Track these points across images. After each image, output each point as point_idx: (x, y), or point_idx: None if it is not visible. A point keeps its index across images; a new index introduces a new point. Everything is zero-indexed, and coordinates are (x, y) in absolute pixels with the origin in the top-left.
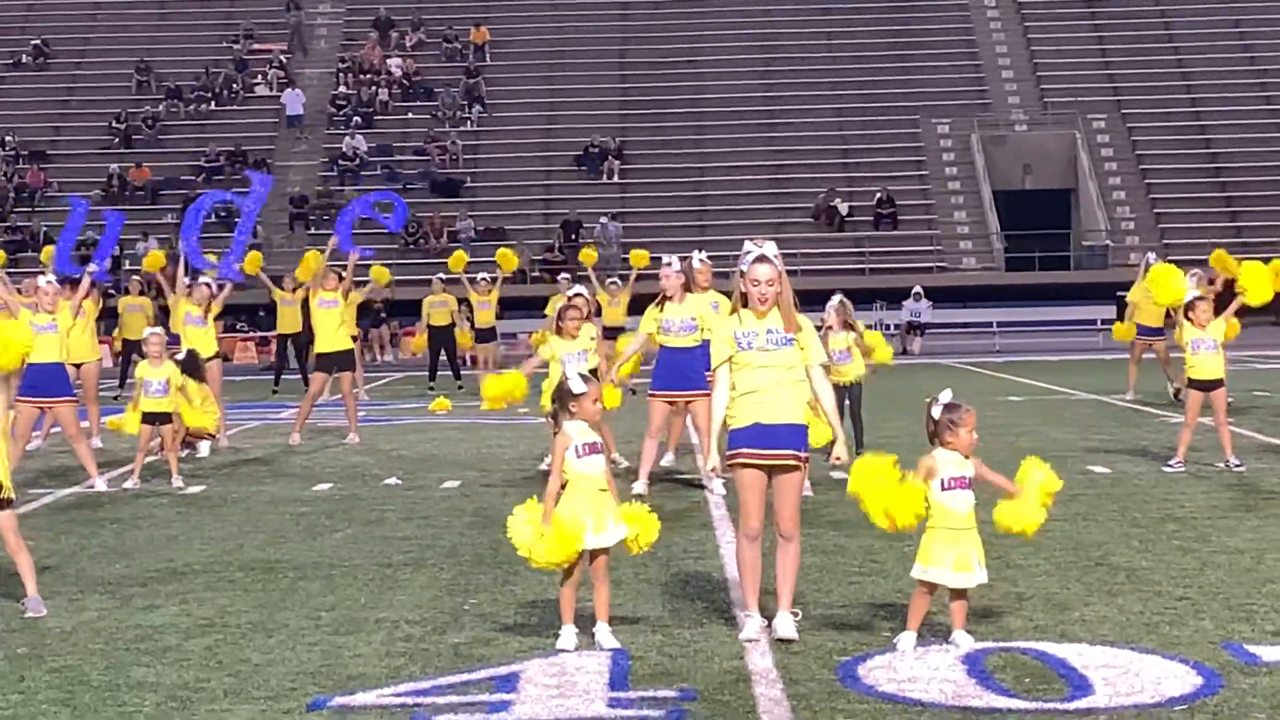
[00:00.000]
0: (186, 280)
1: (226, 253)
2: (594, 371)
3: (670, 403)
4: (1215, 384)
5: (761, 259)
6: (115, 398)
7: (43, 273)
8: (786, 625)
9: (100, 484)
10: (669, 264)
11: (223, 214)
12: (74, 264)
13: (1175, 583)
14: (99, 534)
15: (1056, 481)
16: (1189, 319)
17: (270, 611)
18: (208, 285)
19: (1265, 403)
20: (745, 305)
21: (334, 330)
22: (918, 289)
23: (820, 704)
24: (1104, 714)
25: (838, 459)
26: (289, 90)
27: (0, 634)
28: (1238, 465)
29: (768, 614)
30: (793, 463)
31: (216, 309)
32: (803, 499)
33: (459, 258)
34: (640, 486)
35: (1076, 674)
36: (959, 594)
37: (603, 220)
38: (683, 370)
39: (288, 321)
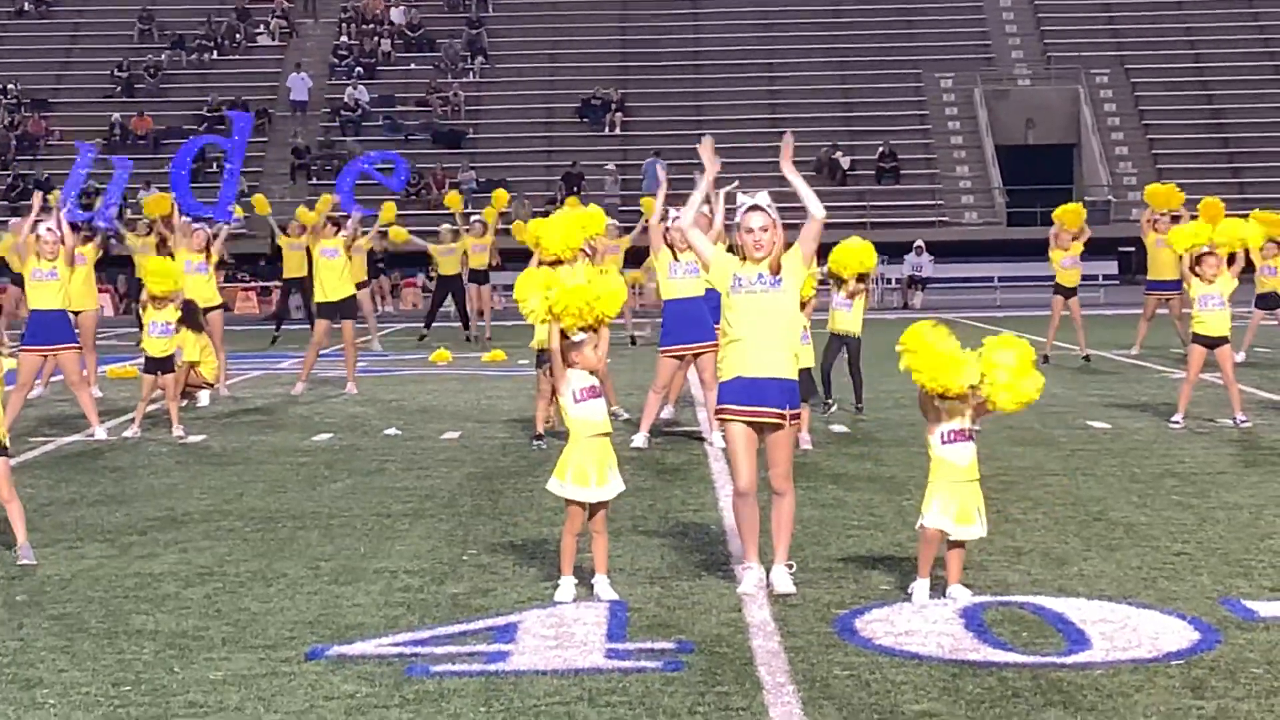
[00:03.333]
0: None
1: (220, 195)
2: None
3: (679, 358)
4: (1220, 340)
5: (754, 208)
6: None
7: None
8: (783, 579)
9: (100, 432)
10: (676, 216)
11: (215, 159)
12: (79, 209)
13: (1173, 538)
14: (99, 482)
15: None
16: (1195, 273)
17: (269, 561)
18: (202, 229)
19: (1266, 360)
20: (742, 256)
21: (336, 279)
22: (919, 243)
23: (817, 656)
24: (1101, 668)
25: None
26: (294, 75)
27: None
28: (1244, 422)
29: (767, 565)
30: (781, 422)
31: (216, 256)
32: (801, 452)
33: (455, 198)
34: (640, 440)
35: (1074, 628)
36: (956, 545)
37: (609, 167)
38: (692, 318)
39: (293, 266)
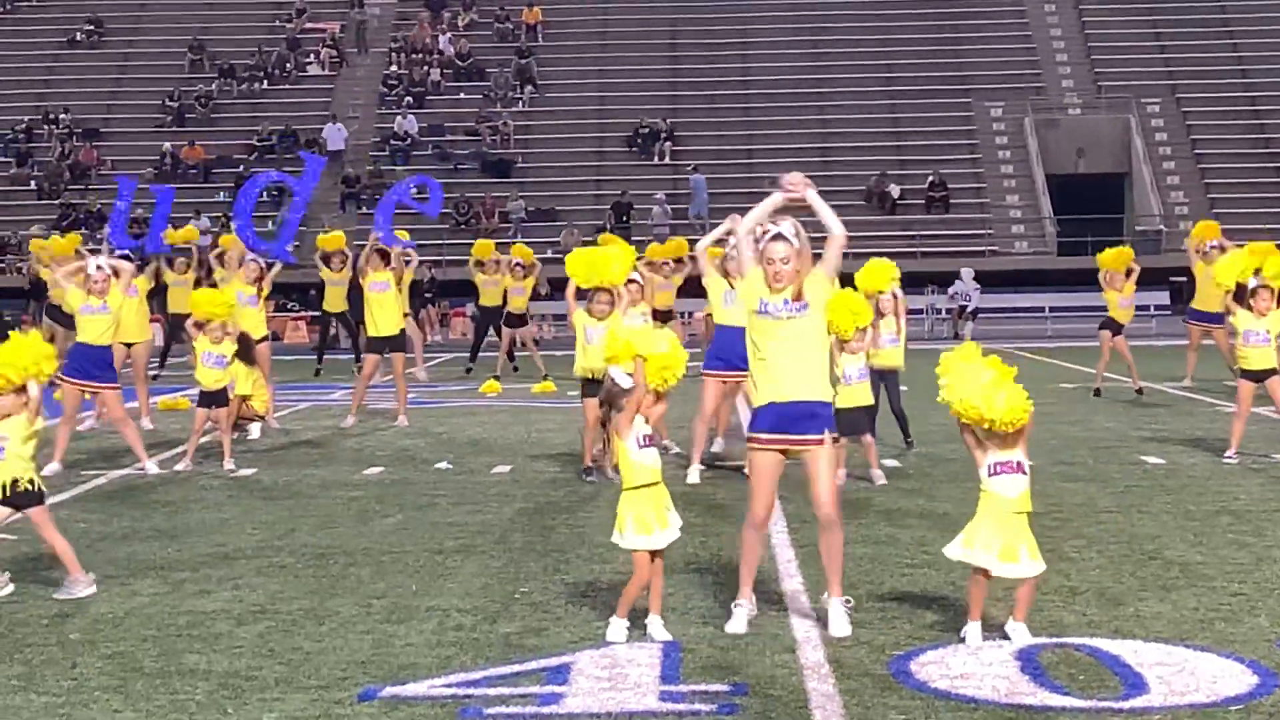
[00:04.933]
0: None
1: (280, 233)
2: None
3: (723, 382)
4: (1269, 373)
5: (778, 237)
6: (155, 376)
7: (97, 251)
8: (840, 619)
9: (151, 467)
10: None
11: (274, 193)
12: (130, 239)
13: (1230, 578)
14: (151, 517)
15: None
16: (1248, 305)
17: (321, 598)
18: (256, 261)
19: None
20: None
21: (386, 313)
22: (965, 270)
23: (872, 700)
24: (1159, 713)
25: None
26: (330, 125)
27: (53, 620)
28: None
29: (821, 602)
30: (815, 445)
31: (267, 288)
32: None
33: (484, 246)
34: (694, 475)
35: (1131, 671)
36: (1026, 581)
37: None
38: (740, 349)
39: (334, 300)
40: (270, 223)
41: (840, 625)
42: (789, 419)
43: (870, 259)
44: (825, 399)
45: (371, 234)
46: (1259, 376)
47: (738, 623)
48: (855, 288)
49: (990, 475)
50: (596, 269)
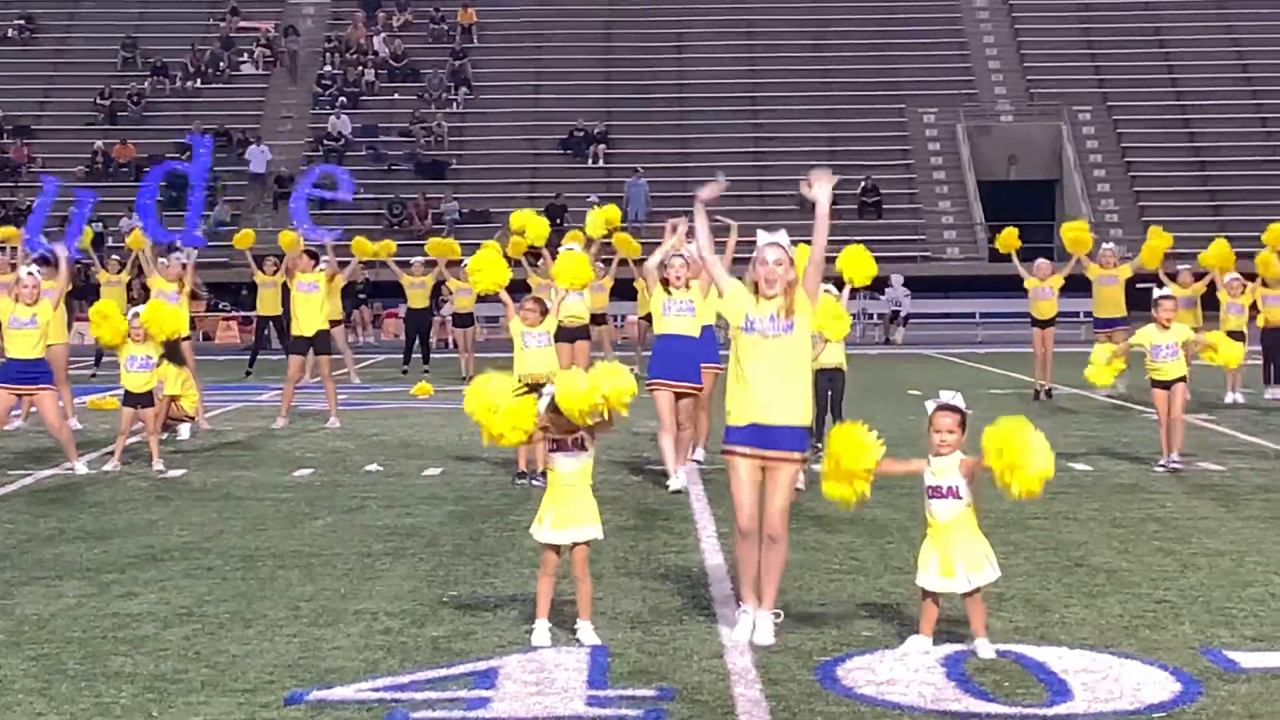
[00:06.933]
0: (167, 260)
1: (186, 220)
2: None
3: (673, 392)
4: (1177, 380)
5: (773, 244)
6: (92, 375)
7: (13, 259)
8: (765, 629)
9: (80, 467)
10: (676, 254)
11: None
12: (44, 242)
13: (1155, 585)
14: (78, 518)
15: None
16: (1154, 318)
17: (249, 601)
18: (178, 259)
19: (1249, 401)
20: (756, 292)
21: (311, 313)
22: (895, 276)
23: (799, 705)
24: (1082, 719)
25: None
26: (253, 147)
27: None
28: (1175, 464)
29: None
30: (789, 463)
31: (189, 284)
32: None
33: (437, 244)
34: (677, 483)
35: (1056, 678)
36: (970, 595)
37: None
38: (682, 356)
39: (268, 303)
40: (203, 218)
41: (765, 635)
42: (767, 436)
43: (846, 247)
44: (804, 424)
45: (295, 234)
46: (1169, 385)
47: (742, 629)
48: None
49: (927, 496)
50: (487, 271)
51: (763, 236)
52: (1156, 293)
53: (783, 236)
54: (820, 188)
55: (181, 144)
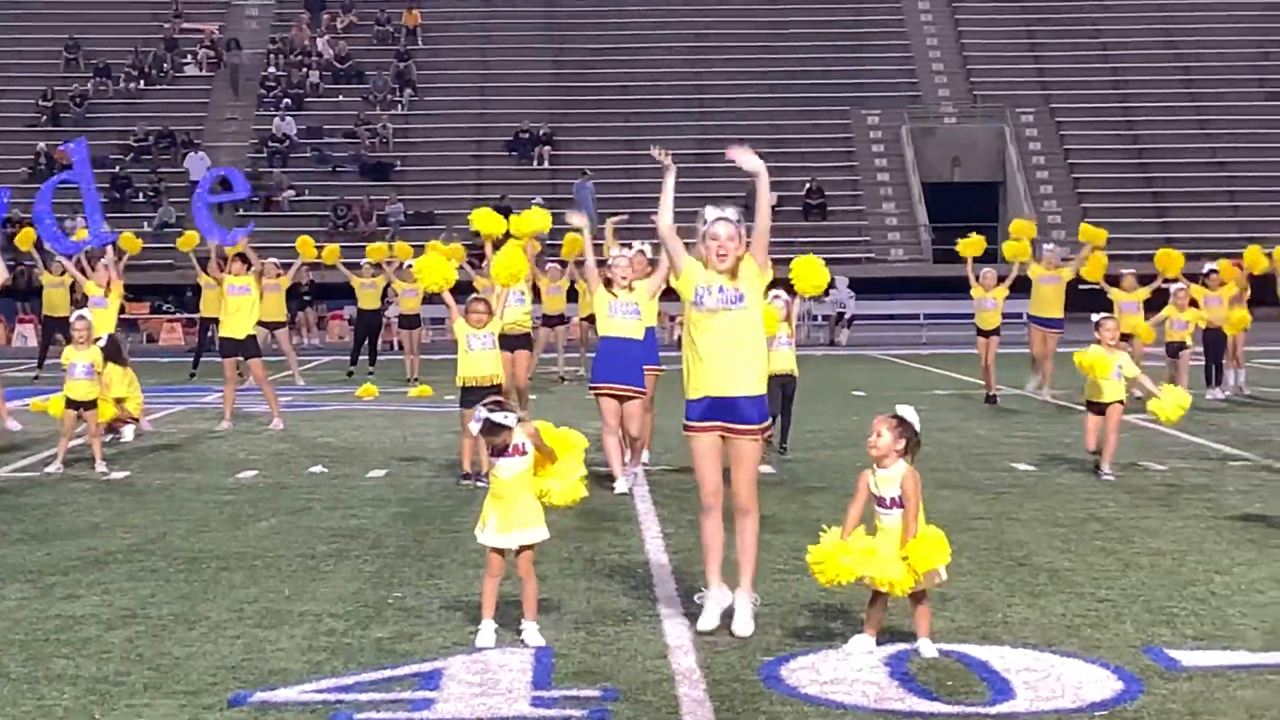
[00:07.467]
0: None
1: (89, 222)
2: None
3: (616, 396)
4: (1115, 402)
5: (722, 219)
6: (35, 378)
7: None
8: (744, 617)
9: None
10: (617, 255)
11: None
12: None
13: (1097, 584)
14: (20, 520)
15: None
16: (1096, 338)
17: (193, 603)
18: (105, 266)
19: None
20: (706, 268)
21: (241, 317)
22: (840, 278)
23: (743, 705)
24: (1024, 718)
25: None
26: (192, 154)
27: None
28: (1107, 476)
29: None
30: (749, 435)
31: (118, 286)
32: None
33: (377, 249)
34: (622, 485)
35: (998, 677)
36: (915, 598)
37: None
38: (626, 359)
39: (211, 305)
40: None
41: (744, 624)
42: (724, 409)
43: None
44: (761, 393)
45: (210, 243)
46: (1107, 407)
47: (709, 617)
48: (791, 289)
49: (875, 506)
50: (431, 271)
51: (710, 212)
52: (1095, 317)
53: (732, 212)
54: (745, 157)
55: (127, 146)
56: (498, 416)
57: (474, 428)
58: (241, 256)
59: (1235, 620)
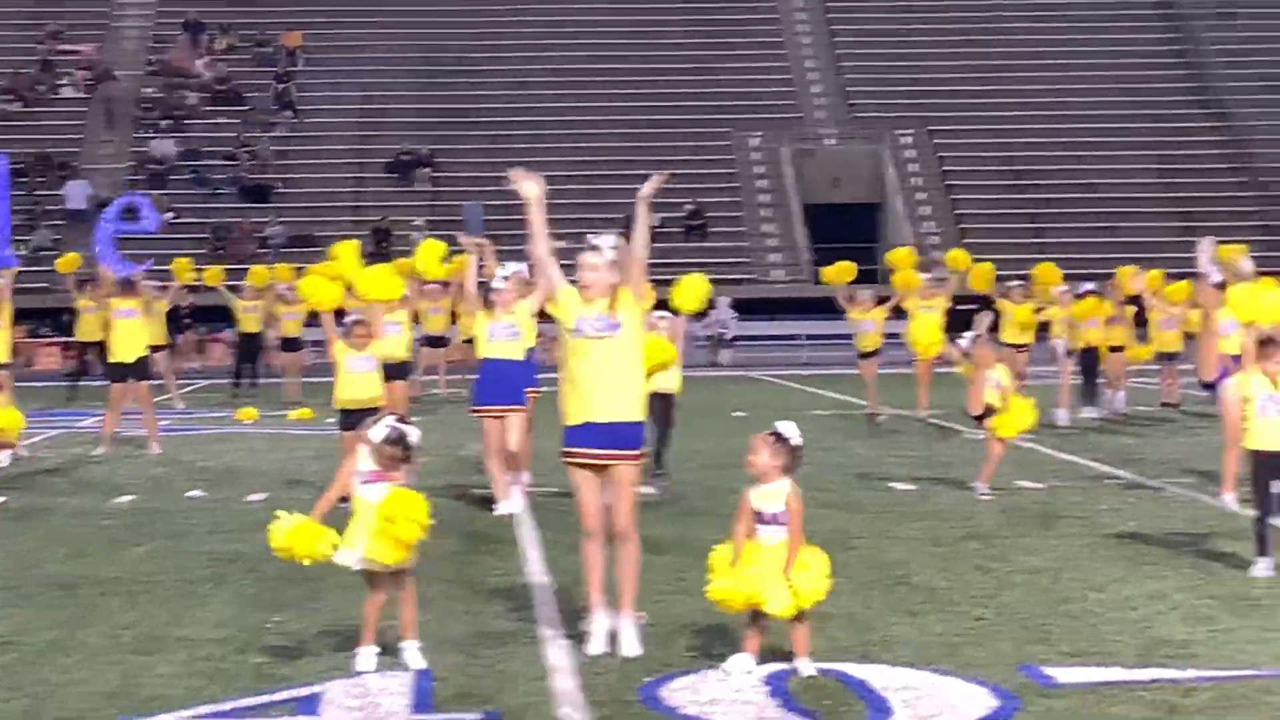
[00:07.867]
0: None
1: None
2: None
3: (497, 418)
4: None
5: (592, 249)
6: None
7: None
8: (631, 639)
9: None
10: (503, 277)
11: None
12: None
13: (974, 603)
14: None
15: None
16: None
17: (70, 629)
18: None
19: (1072, 421)
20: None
21: (130, 340)
22: (722, 299)
23: None
24: None
25: None
26: (71, 182)
27: None
28: (984, 495)
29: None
30: (627, 461)
31: (7, 309)
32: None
33: (260, 273)
34: (504, 507)
35: (876, 696)
36: (795, 619)
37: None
38: (506, 380)
39: (88, 329)
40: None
41: (632, 645)
42: (602, 435)
43: (683, 277)
44: (638, 419)
45: (100, 267)
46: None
47: (596, 641)
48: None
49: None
50: (318, 292)
51: (590, 240)
52: (967, 337)
53: (607, 239)
54: (524, 184)
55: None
56: (412, 436)
57: (377, 434)
58: (127, 280)
59: (1110, 637)
